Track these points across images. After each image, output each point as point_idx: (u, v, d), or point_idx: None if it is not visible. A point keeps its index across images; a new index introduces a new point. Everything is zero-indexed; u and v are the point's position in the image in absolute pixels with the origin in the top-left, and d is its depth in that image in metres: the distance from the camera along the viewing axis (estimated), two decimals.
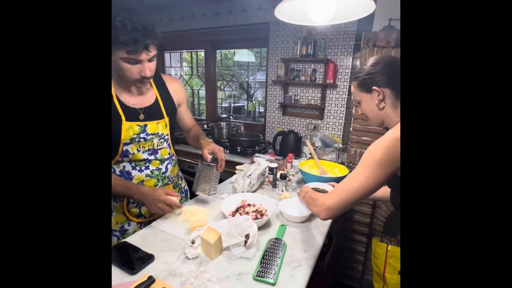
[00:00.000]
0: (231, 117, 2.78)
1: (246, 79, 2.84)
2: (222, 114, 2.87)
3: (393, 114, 0.76)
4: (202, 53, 2.89)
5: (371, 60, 0.78)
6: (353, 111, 1.64)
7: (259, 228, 0.92)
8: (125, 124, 0.91)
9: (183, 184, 1.24)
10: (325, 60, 1.95)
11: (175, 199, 0.94)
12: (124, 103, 0.93)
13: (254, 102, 2.91)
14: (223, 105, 2.99)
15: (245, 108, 3.04)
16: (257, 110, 2.92)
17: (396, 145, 0.65)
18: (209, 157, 1.06)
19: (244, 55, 2.91)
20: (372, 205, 1.66)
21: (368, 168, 0.69)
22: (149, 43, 0.79)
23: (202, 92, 2.98)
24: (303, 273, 0.74)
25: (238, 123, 2.50)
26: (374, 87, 0.75)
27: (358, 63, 1.86)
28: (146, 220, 1.05)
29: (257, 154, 1.75)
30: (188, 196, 1.26)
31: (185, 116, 1.19)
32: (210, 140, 1.13)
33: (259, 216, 0.96)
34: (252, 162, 1.59)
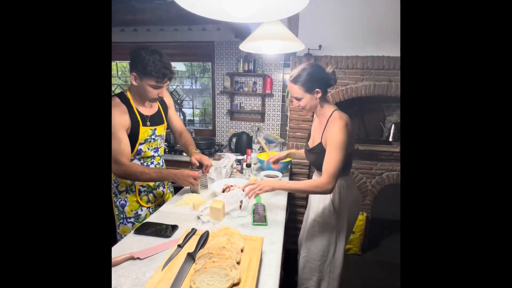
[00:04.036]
0: None
1: (174, 87, 2.99)
2: None
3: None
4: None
5: (301, 67, 1.10)
6: (288, 114, 2.18)
7: None
8: (142, 128, 1.17)
9: None
10: (263, 75, 2.46)
11: (198, 173, 1.25)
12: (140, 112, 1.18)
13: (196, 109, 3.19)
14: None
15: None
16: (192, 117, 3.16)
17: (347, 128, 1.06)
18: (197, 163, 1.35)
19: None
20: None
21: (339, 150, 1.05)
22: (171, 77, 1.13)
23: None
24: (281, 217, 1.17)
25: (191, 130, 2.76)
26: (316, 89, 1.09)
27: (287, 77, 2.43)
28: (153, 205, 1.31)
29: (218, 153, 2.09)
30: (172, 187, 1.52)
31: (174, 118, 1.42)
32: (198, 151, 1.43)
33: None
34: (215, 159, 1.93)
